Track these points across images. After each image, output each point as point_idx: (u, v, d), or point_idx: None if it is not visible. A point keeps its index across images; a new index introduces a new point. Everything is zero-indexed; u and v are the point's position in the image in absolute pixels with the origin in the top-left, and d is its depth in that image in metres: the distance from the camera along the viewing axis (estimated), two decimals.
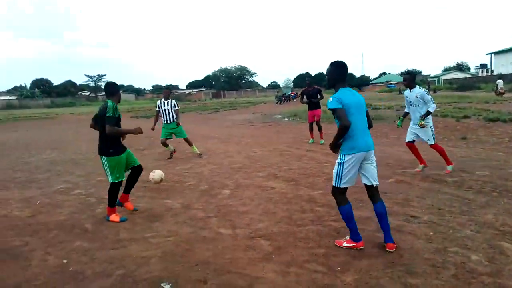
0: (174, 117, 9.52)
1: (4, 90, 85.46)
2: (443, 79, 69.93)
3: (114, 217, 5.07)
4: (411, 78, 7.01)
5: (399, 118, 7.44)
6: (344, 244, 3.99)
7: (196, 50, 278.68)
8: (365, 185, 4.00)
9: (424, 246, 3.94)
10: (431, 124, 6.92)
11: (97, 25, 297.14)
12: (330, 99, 3.78)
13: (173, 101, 9.51)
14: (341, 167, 3.86)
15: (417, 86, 6.95)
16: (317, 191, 6.10)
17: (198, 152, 9.82)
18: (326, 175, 7.13)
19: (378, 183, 3.99)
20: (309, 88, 11.43)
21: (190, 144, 9.77)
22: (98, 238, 4.54)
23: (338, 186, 3.93)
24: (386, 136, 12.13)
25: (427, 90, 6.91)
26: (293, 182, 6.71)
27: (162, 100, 9.54)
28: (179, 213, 5.34)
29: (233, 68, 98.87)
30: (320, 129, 11.46)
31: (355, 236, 3.96)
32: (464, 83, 52.82)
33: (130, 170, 5.37)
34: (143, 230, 4.72)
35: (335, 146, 3.88)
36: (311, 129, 11.73)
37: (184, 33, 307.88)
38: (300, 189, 6.26)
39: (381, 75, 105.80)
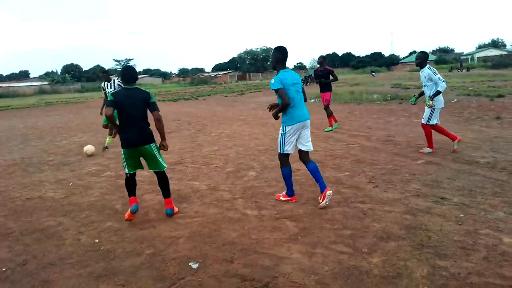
0: None
1: (37, 76, 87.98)
2: (477, 57, 67.26)
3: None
4: (422, 57, 6.86)
5: (414, 95, 7.35)
6: (281, 198, 4.98)
7: (221, 33, 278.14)
8: (300, 150, 4.79)
9: (454, 228, 3.86)
10: (439, 106, 6.78)
11: (125, 11, 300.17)
12: (272, 80, 4.58)
13: (116, 81, 9.36)
14: (284, 136, 4.71)
15: (427, 66, 6.78)
16: (343, 172, 6.04)
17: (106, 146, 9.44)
18: (353, 156, 7.04)
19: (312, 149, 4.82)
20: (320, 68, 10.21)
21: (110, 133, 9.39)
22: None
23: (282, 152, 4.75)
24: (416, 117, 11.82)
25: (435, 70, 6.73)
26: (320, 164, 6.64)
27: (105, 83, 9.34)
28: (206, 194, 5.41)
29: (259, 50, 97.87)
30: (328, 115, 10.28)
31: (290, 192, 4.94)
32: (500, 60, 50.76)
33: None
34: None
35: (276, 117, 4.78)
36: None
37: (209, 16, 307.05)
38: (326, 170, 6.21)
39: (411, 53, 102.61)
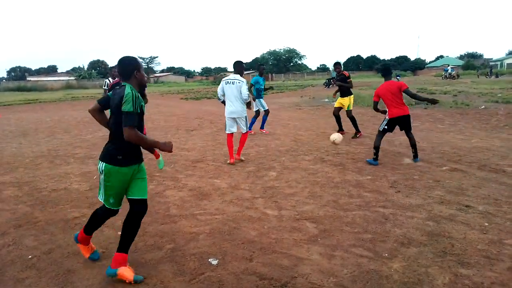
0: None
1: (64, 71, 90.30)
2: (507, 63, 65.46)
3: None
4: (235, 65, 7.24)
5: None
6: None
7: (245, 33, 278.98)
8: None
9: (478, 236, 3.78)
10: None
11: (151, 10, 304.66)
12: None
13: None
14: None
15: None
16: (365, 176, 5.99)
17: None
18: None
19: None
20: (116, 80, 8.04)
21: None
22: (150, 213, 4.72)
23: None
24: (441, 122, 11.60)
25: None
26: (341, 167, 6.62)
27: (111, 80, 9.52)
28: (226, 192, 5.45)
29: (282, 51, 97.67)
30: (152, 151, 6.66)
31: None
32: None
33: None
34: (191, 207, 4.88)
35: None
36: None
37: (233, 16, 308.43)
38: (347, 173, 6.17)
39: (437, 58, 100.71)
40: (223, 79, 7.26)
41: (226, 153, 8.07)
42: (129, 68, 3.19)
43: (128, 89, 3.05)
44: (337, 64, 10.03)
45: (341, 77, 9.71)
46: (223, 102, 7.30)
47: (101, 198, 3.29)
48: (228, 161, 7.19)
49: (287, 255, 3.54)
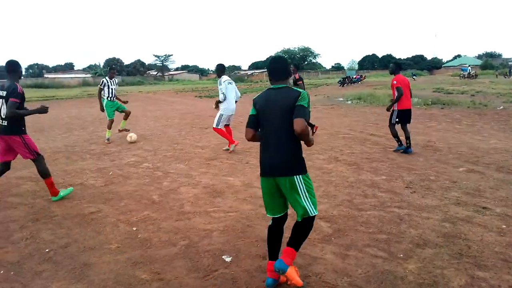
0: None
1: (80, 68, 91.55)
2: None
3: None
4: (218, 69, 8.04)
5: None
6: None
7: (259, 31, 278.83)
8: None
9: (496, 239, 3.72)
10: (227, 113, 7.88)
11: (166, 10, 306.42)
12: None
13: (116, 80, 10.11)
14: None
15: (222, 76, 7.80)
16: (380, 176, 5.93)
17: (126, 128, 10.34)
18: (390, 160, 6.90)
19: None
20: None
21: (126, 118, 10.23)
22: (164, 209, 4.79)
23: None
24: (458, 123, 11.43)
25: (220, 81, 7.77)
26: (355, 166, 6.57)
27: (108, 79, 9.84)
28: (240, 190, 5.46)
29: (296, 49, 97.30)
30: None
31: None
32: None
33: None
34: (205, 205, 4.90)
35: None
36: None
37: (248, 14, 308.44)
38: (362, 173, 6.12)
39: (455, 57, 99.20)
40: (222, 80, 7.76)
41: (240, 151, 8.09)
42: (289, 66, 3.21)
43: (298, 89, 2.97)
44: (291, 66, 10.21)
45: (293, 79, 9.76)
46: (219, 102, 7.92)
47: (313, 211, 2.99)
48: (234, 145, 8.04)
49: (301, 254, 3.52)
